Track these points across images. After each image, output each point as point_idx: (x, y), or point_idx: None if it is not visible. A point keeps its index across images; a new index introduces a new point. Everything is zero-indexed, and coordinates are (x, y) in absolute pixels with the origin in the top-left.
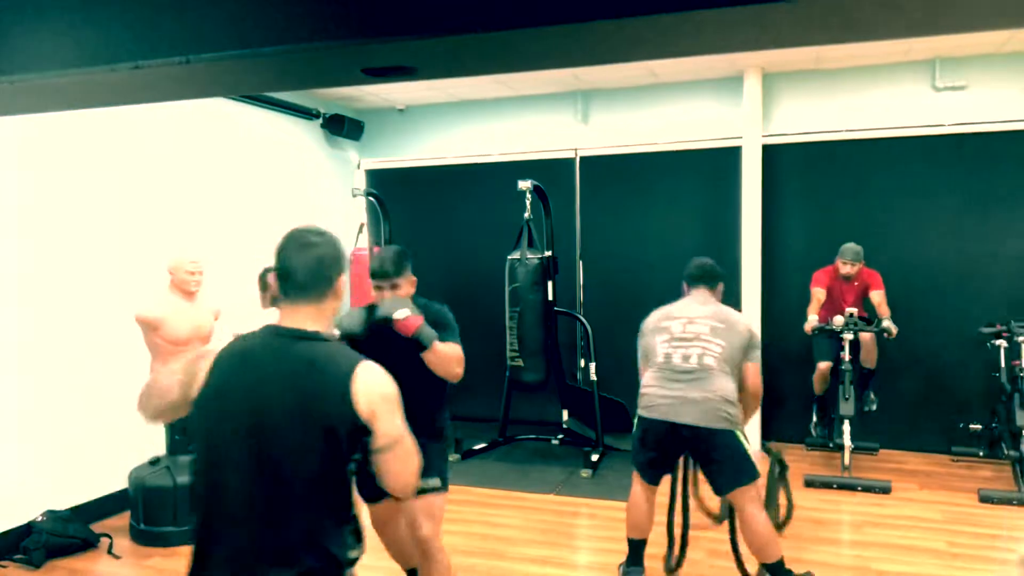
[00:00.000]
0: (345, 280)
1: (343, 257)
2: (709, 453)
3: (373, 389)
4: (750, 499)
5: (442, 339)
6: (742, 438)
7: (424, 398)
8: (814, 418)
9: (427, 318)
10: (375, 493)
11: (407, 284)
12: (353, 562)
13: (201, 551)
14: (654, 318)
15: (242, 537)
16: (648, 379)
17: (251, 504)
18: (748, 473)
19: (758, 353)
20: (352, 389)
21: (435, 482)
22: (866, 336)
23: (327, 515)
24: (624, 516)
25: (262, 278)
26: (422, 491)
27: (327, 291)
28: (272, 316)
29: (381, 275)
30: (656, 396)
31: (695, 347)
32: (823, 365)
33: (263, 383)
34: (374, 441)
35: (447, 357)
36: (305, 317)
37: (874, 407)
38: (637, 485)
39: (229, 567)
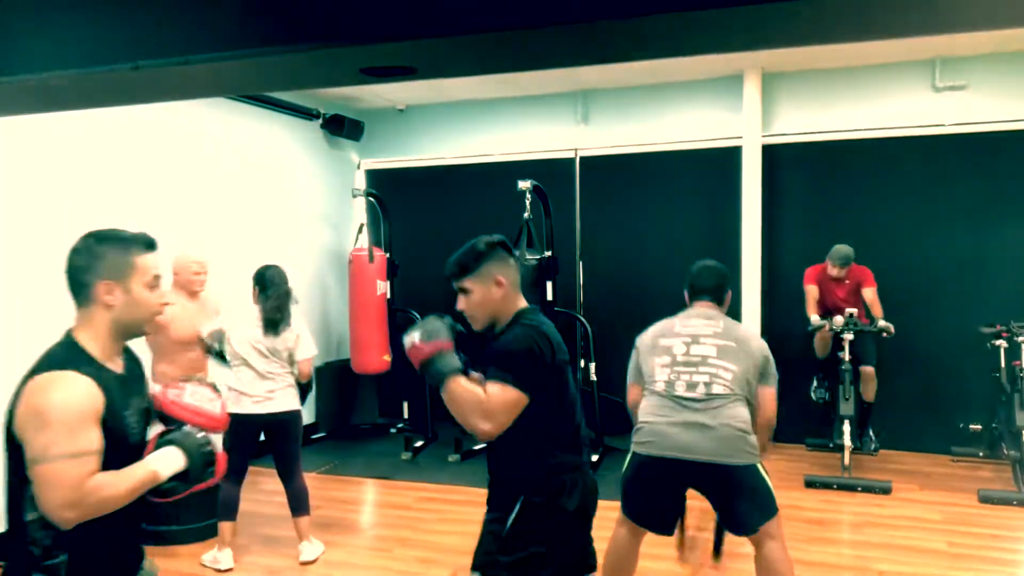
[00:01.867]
0: (115, 287)
1: (100, 263)
2: (728, 492)
3: (28, 400)
4: (773, 534)
5: (486, 378)
6: (763, 471)
7: (510, 442)
8: (815, 382)
9: (498, 342)
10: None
11: (482, 288)
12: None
13: None
14: (651, 334)
15: None
16: (647, 408)
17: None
18: (772, 508)
19: (775, 378)
20: (20, 397)
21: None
22: (868, 370)
23: (26, 521)
24: None
25: (258, 276)
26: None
27: (87, 297)
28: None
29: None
30: (659, 428)
31: (702, 373)
32: (824, 331)
33: None
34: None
35: (459, 400)
36: (75, 321)
37: (873, 446)
38: (622, 528)
39: None
